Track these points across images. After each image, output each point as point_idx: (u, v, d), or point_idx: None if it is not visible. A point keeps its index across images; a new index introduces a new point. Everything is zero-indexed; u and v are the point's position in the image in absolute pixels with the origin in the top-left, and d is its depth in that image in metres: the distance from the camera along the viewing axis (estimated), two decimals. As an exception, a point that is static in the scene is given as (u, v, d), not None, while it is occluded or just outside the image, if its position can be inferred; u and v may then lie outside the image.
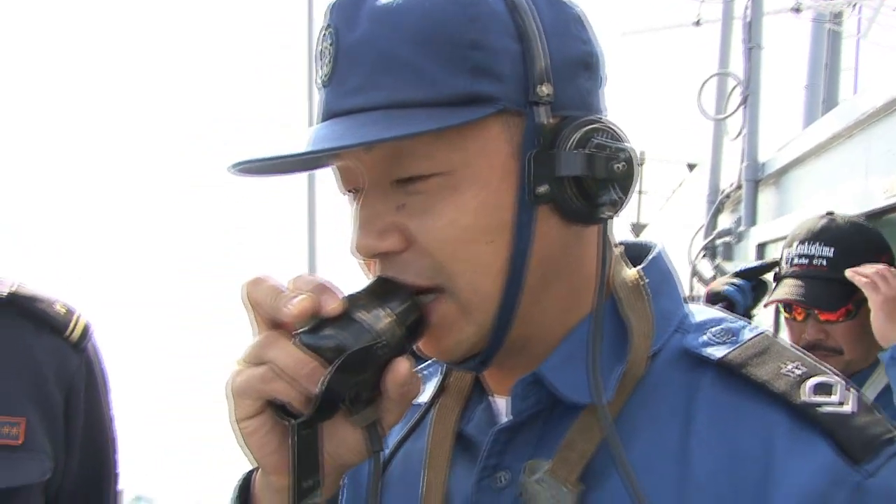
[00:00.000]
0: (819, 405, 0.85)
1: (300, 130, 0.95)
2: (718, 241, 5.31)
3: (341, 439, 0.91)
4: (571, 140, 0.88)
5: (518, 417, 0.95)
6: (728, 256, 5.22)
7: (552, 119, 0.88)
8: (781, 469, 0.82)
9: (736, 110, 5.63)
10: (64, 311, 1.73)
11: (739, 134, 5.45)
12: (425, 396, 1.05)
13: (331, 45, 0.91)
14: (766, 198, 4.92)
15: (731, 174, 5.75)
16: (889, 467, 0.82)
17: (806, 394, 0.86)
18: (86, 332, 1.75)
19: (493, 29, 0.86)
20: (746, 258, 4.76)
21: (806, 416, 0.84)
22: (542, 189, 0.88)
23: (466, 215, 0.87)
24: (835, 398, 0.85)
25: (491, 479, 0.95)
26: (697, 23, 7.82)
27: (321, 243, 8.48)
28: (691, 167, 9.66)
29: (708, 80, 6.02)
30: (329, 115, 0.91)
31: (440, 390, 1.06)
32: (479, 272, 0.89)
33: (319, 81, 0.93)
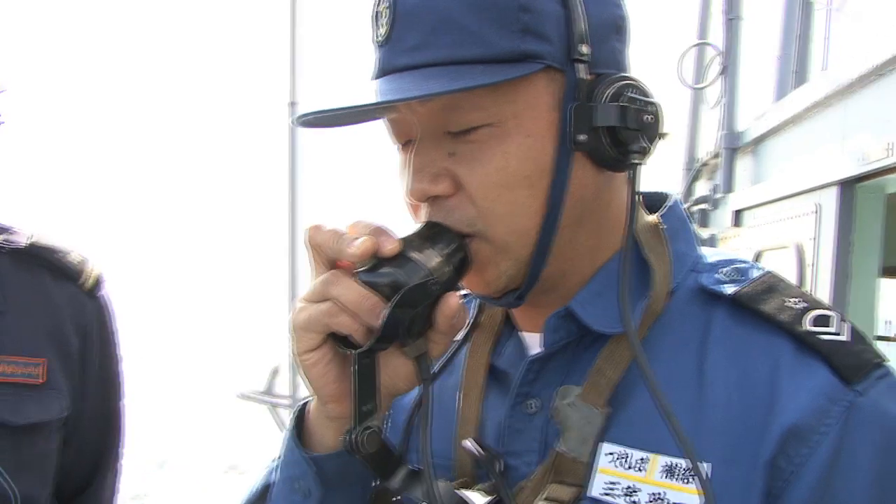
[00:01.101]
0: (819, 334, 0.96)
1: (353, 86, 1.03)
2: (695, 208, 5.39)
3: (394, 369, 1.01)
4: (607, 94, 0.98)
5: (550, 348, 1.05)
6: (704, 223, 5.31)
7: (589, 76, 0.99)
8: (786, 388, 0.94)
9: (715, 80, 5.71)
10: (79, 260, 1.84)
11: (718, 103, 5.54)
12: (459, 334, 1.12)
13: (387, 7, 0.99)
14: (743, 165, 5.00)
15: (706, 143, 5.83)
16: (877, 387, 0.93)
17: (807, 324, 0.97)
18: (98, 280, 1.85)
19: None
20: (723, 225, 4.85)
21: (807, 343, 0.96)
22: (582, 137, 0.98)
23: (513, 161, 0.97)
24: (832, 328, 0.97)
25: (523, 405, 1.06)
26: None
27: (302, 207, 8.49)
28: (664, 136, 9.74)
29: (688, 49, 6.09)
30: (385, 71, 0.99)
31: (473, 328, 1.15)
32: (519, 214, 0.98)
33: (377, 40, 1.01)
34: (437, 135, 1.00)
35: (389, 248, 0.94)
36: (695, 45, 6.29)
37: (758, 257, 4.02)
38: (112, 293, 1.90)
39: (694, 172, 5.90)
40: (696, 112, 6.60)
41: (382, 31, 1.00)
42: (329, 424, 1.05)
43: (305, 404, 1.10)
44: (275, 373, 13.79)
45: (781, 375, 0.95)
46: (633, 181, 1.01)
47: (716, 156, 5.30)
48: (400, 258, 0.95)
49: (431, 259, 0.95)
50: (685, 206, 5.23)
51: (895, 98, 2.79)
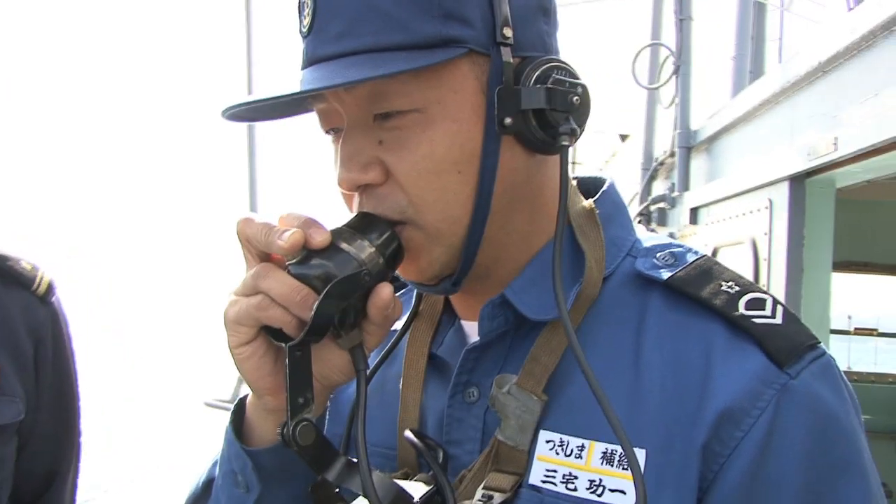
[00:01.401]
0: (752, 317, 0.98)
1: (281, 77, 1.04)
2: (653, 207, 5.43)
3: (329, 361, 1.01)
4: (533, 77, 0.98)
5: (486, 337, 1.05)
6: (662, 222, 5.36)
7: (515, 59, 0.98)
8: (719, 372, 0.95)
9: (668, 80, 5.78)
10: (30, 267, 1.85)
11: (672, 103, 5.60)
12: (399, 324, 1.14)
13: None
14: (698, 164, 5.06)
15: (663, 142, 5.89)
16: (810, 370, 0.95)
17: (741, 308, 0.98)
18: (51, 287, 1.86)
19: None
20: (680, 223, 4.89)
21: (740, 327, 0.97)
22: (508, 121, 0.97)
23: (439, 147, 0.96)
24: (766, 311, 0.98)
25: (462, 394, 1.06)
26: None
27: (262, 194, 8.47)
28: (623, 137, 9.80)
29: (641, 50, 6.17)
30: (311, 62, 0.99)
31: (413, 317, 1.16)
32: (449, 201, 0.98)
33: (302, 31, 1.01)
34: (365, 123, 0.99)
35: (319, 239, 0.94)
36: (648, 46, 6.37)
37: (714, 253, 4.07)
38: (68, 300, 1.91)
39: (651, 172, 5.96)
40: (652, 112, 6.68)
41: (306, 21, 1.00)
42: (267, 417, 1.05)
43: (245, 398, 1.10)
44: (241, 380, 13.74)
45: (715, 360, 0.96)
46: (563, 163, 1.00)
47: (672, 155, 5.36)
48: (330, 250, 0.95)
49: (363, 250, 0.95)
50: (644, 205, 5.32)
51: (841, 94, 2.84)
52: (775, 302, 1.00)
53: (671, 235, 5.09)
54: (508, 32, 0.97)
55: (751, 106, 3.77)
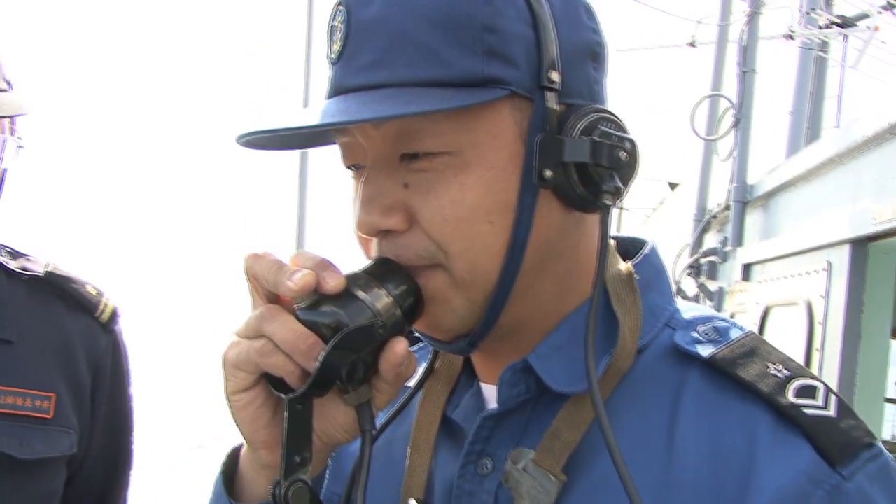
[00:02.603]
0: (803, 407, 0.87)
1: (300, 106, 0.97)
2: (704, 260, 5.38)
3: (332, 417, 0.92)
4: (578, 127, 0.89)
5: (505, 405, 0.95)
6: (713, 275, 5.29)
7: (560, 106, 0.89)
8: (764, 465, 0.85)
9: (728, 132, 5.73)
10: (95, 292, 1.79)
11: (730, 155, 5.54)
12: (412, 380, 1.04)
13: (342, 22, 0.91)
14: (753, 219, 4.98)
15: (717, 194, 5.83)
16: (865, 471, 0.84)
17: (790, 395, 0.88)
18: (114, 314, 1.81)
19: (508, 13, 0.87)
20: (731, 278, 4.82)
21: (790, 417, 0.86)
22: (548, 173, 0.89)
23: (471, 194, 0.88)
24: (818, 401, 0.88)
25: (475, 464, 0.96)
26: (692, 44, 7.92)
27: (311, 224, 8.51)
28: (672, 186, 9.75)
29: (701, 100, 6.13)
30: (338, 90, 0.91)
31: (428, 374, 1.06)
32: (479, 252, 0.89)
33: (330, 57, 0.93)
34: (391, 163, 0.91)
35: (333, 284, 0.86)
36: (708, 97, 6.32)
37: (767, 313, 3.99)
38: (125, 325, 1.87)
39: (704, 224, 5.89)
40: (708, 163, 6.61)
41: (336, 47, 0.92)
42: (260, 472, 0.96)
43: (237, 449, 1.01)
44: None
45: (759, 451, 0.86)
46: (603, 224, 0.92)
47: (726, 208, 5.30)
48: (344, 296, 0.86)
49: (379, 299, 0.87)
50: (694, 257, 5.26)
51: (910, 158, 2.77)
52: (828, 391, 0.90)
53: (721, 290, 5.03)
54: (555, 76, 0.89)
55: (813, 164, 3.71)
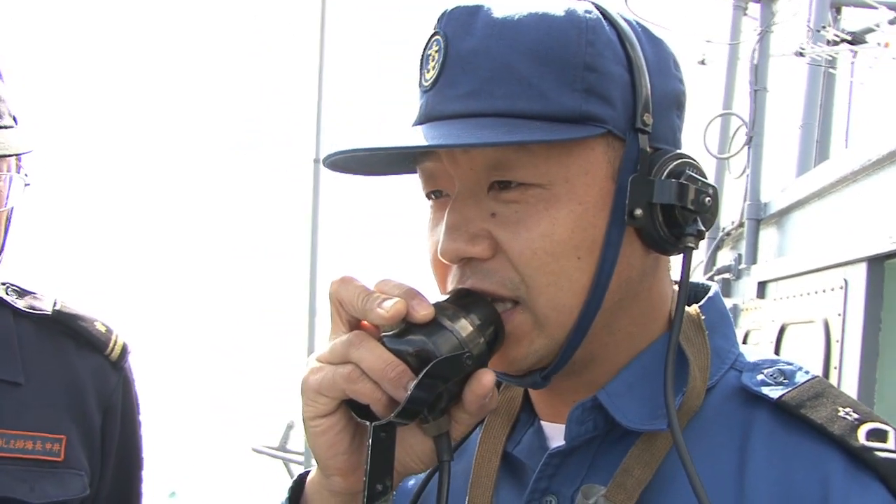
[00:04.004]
0: (875, 450, 0.88)
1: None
2: (717, 278, 5.37)
3: (410, 446, 0.93)
4: (666, 170, 0.92)
5: (573, 442, 0.97)
6: (727, 293, 5.28)
7: (649, 148, 0.93)
8: None
9: (740, 150, 5.74)
10: (104, 329, 1.78)
11: (743, 173, 5.55)
12: None
13: (438, 51, 0.93)
14: (767, 237, 4.98)
15: (730, 212, 5.83)
16: None
17: (862, 438, 0.89)
18: (124, 351, 1.79)
19: (607, 55, 0.91)
20: (745, 295, 4.82)
21: (863, 460, 0.87)
22: (638, 212, 0.91)
23: (561, 229, 0.90)
24: (889, 445, 0.88)
25: (539, 502, 0.98)
26: (703, 62, 7.92)
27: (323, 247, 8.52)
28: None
29: (713, 119, 6.13)
30: (430, 117, 0.93)
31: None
32: (563, 287, 0.91)
33: (424, 85, 0.95)
34: (478, 192, 0.93)
35: (423, 314, 0.87)
36: (720, 115, 6.33)
37: (782, 330, 3.98)
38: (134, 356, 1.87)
39: (717, 242, 5.89)
40: (720, 182, 6.60)
41: (430, 75, 0.94)
42: (330, 499, 0.96)
43: (305, 474, 1.02)
44: (290, 428, 13.74)
45: (833, 493, 0.87)
46: (685, 266, 0.94)
47: (740, 226, 5.29)
48: (432, 325, 0.87)
49: (465, 330, 0.88)
50: (708, 275, 5.25)
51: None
52: None
53: (736, 307, 5.02)
54: (648, 119, 0.92)
55: (827, 182, 3.70)
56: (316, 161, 8.12)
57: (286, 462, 13.27)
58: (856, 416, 0.92)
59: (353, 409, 0.90)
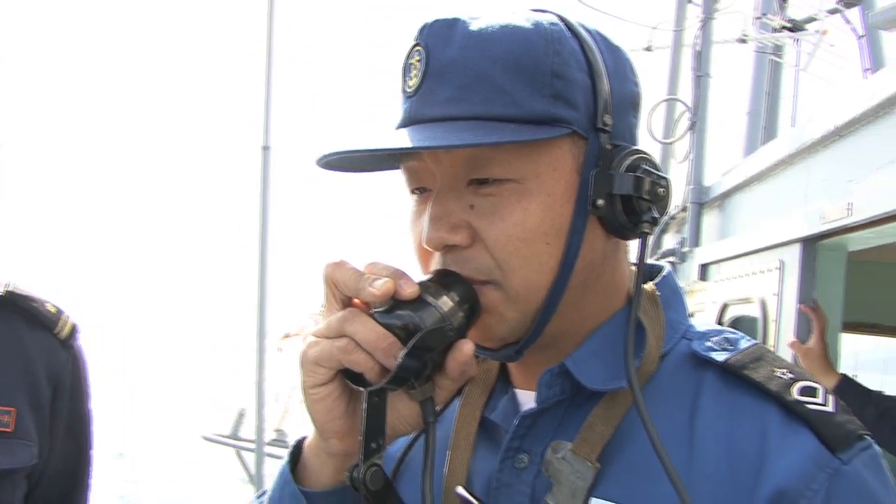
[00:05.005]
0: (806, 403, 1.00)
1: (376, 132, 1.07)
2: (663, 261, 5.44)
3: (398, 411, 1.03)
4: (624, 164, 1.04)
5: (543, 404, 1.07)
6: (672, 276, 5.35)
7: (609, 146, 1.04)
8: (775, 452, 0.98)
9: (683, 135, 5.82)
10: (54, 310, 1.84)
11: (686, 158, 5.64)
12: None
13: (419, 60, 1.03)
14: (709, 220, 5.09)
15: (675, 196, 5.92)
16: (860, 458, 0.97)
17: (795, 394, 1.01)
18: (73, 330, 1.86)
19: (571, 63, 1.01)
20: (690, 278, 4.90)
21: (796, 412, 1.00)
22: (600, 202, 1.03)
23: (532, 218, 1.01)
24: (818, 399, 1.01)
25: (513, 459, 1.08)
26: (648, 48, 8.03)
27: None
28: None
29: (657, 104, 6.21)
30: (413, 121, 1.03)
31: (466, 381, 1.15)
32: (534, 269, 1.02)
33: (406, 91, 1.05)
34: (459, 186, 1.03)
35: (409, 291, 0.97)
36: (664, 101, 6.42)
37: (723, 310, 4.07)
38: (84, 338, 1.91)
39: (662, 225, 5.97)
40: (665, 166, 6.69)
41: (413, 82, 1.04)
42: (327, 461, 1.06)
43: (302, 439, 1.11)
44: (241, 416, 13.67)
45: (771, 441, 0.98)
46: (642, 248, 1.07)
47: (683, 209, 5.38)
48: (417, 302, 0.97)
49: (446, 305, 0.98)
50: (654, 258, 5.35)
51: (856, 159, 2.85)
52: (826, 391, 1.03)
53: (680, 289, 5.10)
54: (609, 120, 1.03)
55: (765, 166, 3.78)
56: (265, 149, 8.07)
57: (238, 450, 13.21)
58: (790, 375, 1.04)
59: (349, 377, 1.00)
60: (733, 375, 1.04)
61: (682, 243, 5.27)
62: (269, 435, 12.15)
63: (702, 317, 4.29)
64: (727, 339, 1.09)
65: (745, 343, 1.09)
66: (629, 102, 1.08)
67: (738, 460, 0.98)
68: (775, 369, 1.05)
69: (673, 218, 5.78)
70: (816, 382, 1.04)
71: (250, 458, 10.94)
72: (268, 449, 8.54)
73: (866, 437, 1.00)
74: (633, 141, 1.09)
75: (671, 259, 5.34)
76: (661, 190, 1.05)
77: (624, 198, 1.03)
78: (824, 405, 1.01)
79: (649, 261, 1.16)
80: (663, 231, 5.97)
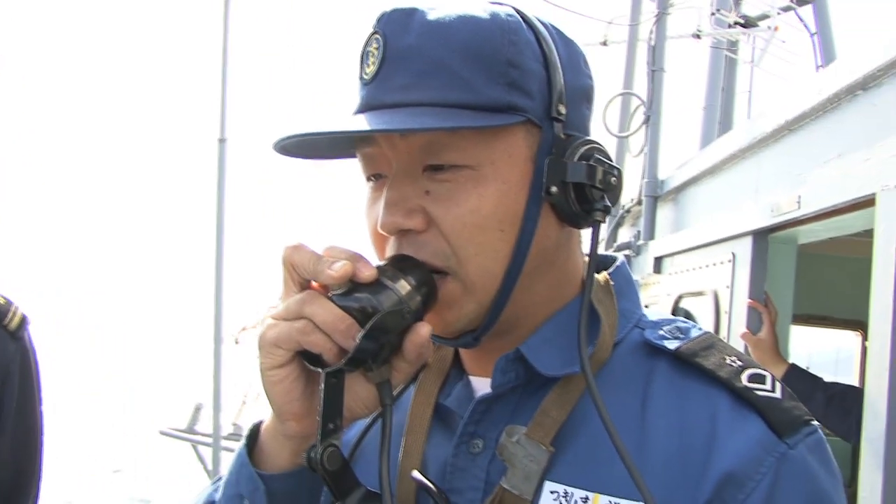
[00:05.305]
0: (755, 390, 1.03)
1: (335, 116, 1.07)
2: (618, 254, 5.47)
3: (355, 393, 1.03)
4: (577, 153, 1.05)
5: (497, 390, 1.09)
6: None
7: (563, 135, 1.05)
8: (724, 436, 1.00)
9: (638, 129, 5.87)
10: (3, 301, 1.83)
11: (641, 151, 5.69)
12: None
13: (377, 48, 1.04)
14: (664, 213, 5.13)
15: (631, 190, 5.96)
16: (806, 442, 1.00)
17: (744, 380, 1.04)
18: (23, 322, 1.85)
19: (527, 53, 1.03)
20: (645, 271, 4.95)
21: (745, 398, 1.02)
22: (554, 189, 1.04)
23: (487, 204, 1.02)
24: (766, 386, 1.04)
25: (468, 444, 1.09)
26: (604, 43, 8.07)
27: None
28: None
29: (613, 99, 6.25)
30: (370, 107, 1.04)
31: (421, 367, 1.15)
32: (489, 256, 1.03)
33: (364, 78, 1.06)
34: (414, 172, 1.04)
35: (367, 274, 0.97)
36: (619, 95, 6.46)
37: (677, 302, 4.12)
38: (35, 329, 1.90)
39: (618, 218, 6.02)
40: (621, 160, 6.76)
41: (370, 69, 1.04)
42: (285, 443, 1.06)
43: (259, 423, 1.11)
44: (198, 410, 13.58)
45: (720, 425, 1.01)
46: (594, 236, 1.07)
47: (638, 203, 5.43)
48: (375, 284, 0.98)
49: (404, 288, 0.99)
50: (609, 251, 5.39)
51: (805, 153, 2.89)
52: (774, 378, 1.06)
53: (636, 283, 5.14)
54: (563, 110, 1.05)
55: (718, 159, 3.82)
56: (221, 141, 8.02)
57: (194, 444, 13.12)
58: (740, 363, 1.07)
59: (307, 359, 1.00)
60: (684, 363, 1.07)
61: (636, 236, 5.32)
62: (227, 429, 12.09)
63: (656, 309, 4.31)
64: (679, 328, 1.12)
65: (696, 332, 1.11)
66: (582, 94, 1.10)
67: (689, 444, 1.01)
68: (725, 357, 1.07)
69: (628, 211, 5.82)
70: (765, 370, 1.06)
71: (207, 452, 10.87)
72: (224, 443, 8.51)
73: (812, 422, 1.02)
74: (586, 132, 1.10)
75: (626, 252, 5.39)
76: (613, 179, 1.07)
77: (577, 186, 1.04)
78: (772, 392, 1.03)
79: (604, 252, 1.18)
80: (619, 224, 6.03)
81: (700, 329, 1.12)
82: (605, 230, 6.20)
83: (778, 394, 1.03)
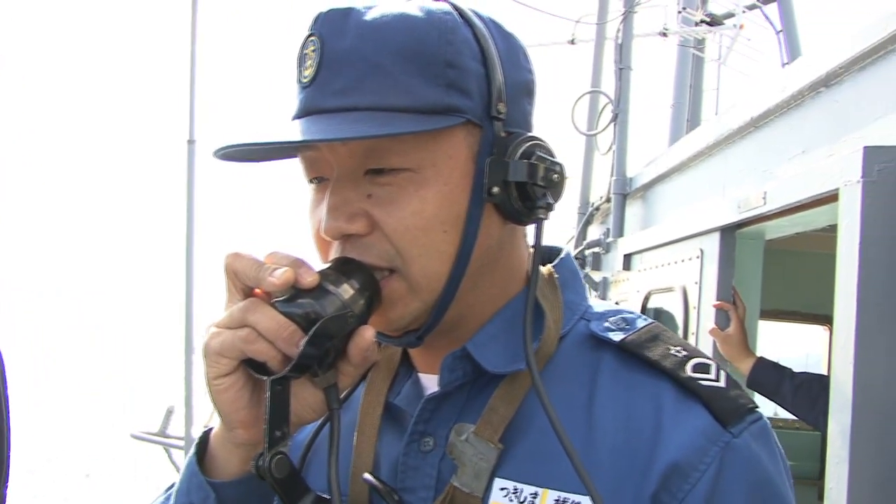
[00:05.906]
0: (699, 380, 1.04)
1: (276, 123, 1.07)
2: (588, 252, 5.52)
3: (302, 399, 1.02)
4: (518, 151, 1.05)
5: (446, 387, 1.09)
6: (597, 266, 5.44)
7: (503, 133, 1.05)
8: (669, 426, 1.01)
9: (606, 127, 5.90)
10: None
11: (609, 149, 5.72)
12: None
13: (314, 50, 1.03)
14: (633, 210, 5.16)
15: (599, 188, 6.00)
16: (750, 430, 1.02)
17: (689, 370, 1.05)
18: None
19: (464, 52, 1.02)
20: (614, 268, 4.97)
21: (688, 388, 1.03)
22: (495, 189, 1.04)
23: (429, 206, 1.01)
24: (711, 375, 1.05)
25: (418, 443, 1.09)
26: (572, 42, 8.10)
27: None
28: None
29: (581, 97, 6.28)
30: (308, 111, 1.03)
31: (370, 366, 1.15)
32: (433, 257, 1.03)
33: (302, 81, 1.05)
34: (355, 176, 1.03)
35: (309, 280, 0.97)
36: (587, 93, 6.49)
37: (647, 299, 4.14)
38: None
39: (587, 216, 6.05)
40: (590, 158, 6.80)
41: (308, 72, 1.03)
42: (234, 451, 1.05)
43: (209, 431, 1.10)
44: (169, 413, 13.49)
45: (665, 416, 1.02)
46: (538, 234, 1.08)
47: (607, 200, 5.45)
48: (317, 290, 0.97)
49: (347, 293, 0.98)
50: (579, 249, 5.39)
51: (771, 149, 2.93)
52: (718, 367, 1.07)
53: (605, 280, 5.19)
54: (503, 108, 1.04)
55: (686, 156, 3.86)
56: (190, 142, 7.98)
57: (166, 448, 13.03)
58: (685, 353, 1.08)
59: (252, 367, 0.99)
60: (630, 354, 1.07)
61: (606, 234, 5.35)
62: (198, 432, 12.02)
63: (626, 306, 4.33)
64: (624, 319, 1.12)
65: (641, 322, 1.12)
66: (523, 89, 1.09)
67: (635, 436, 1.01)
68: (670, 347, 1.08)
69: (597, 209, 5.86)
70: (710, 359, 1.07)
71: (179, 455, 10.81)
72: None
73: (756, 410, 1.04)
74: (528, 127, 1.10)
75: (596, 249, 5.42)
76: (555, 176, 1.07)
77: (519, 184, 1.04)
78: (716, 381, 1.04)
79: (548, 245, 1.18)
80: (588, 222, 6.06)
81: (646, 319, 1.13)
82: (571, 230, 6.24)
83: (722, 383, 1.04)
